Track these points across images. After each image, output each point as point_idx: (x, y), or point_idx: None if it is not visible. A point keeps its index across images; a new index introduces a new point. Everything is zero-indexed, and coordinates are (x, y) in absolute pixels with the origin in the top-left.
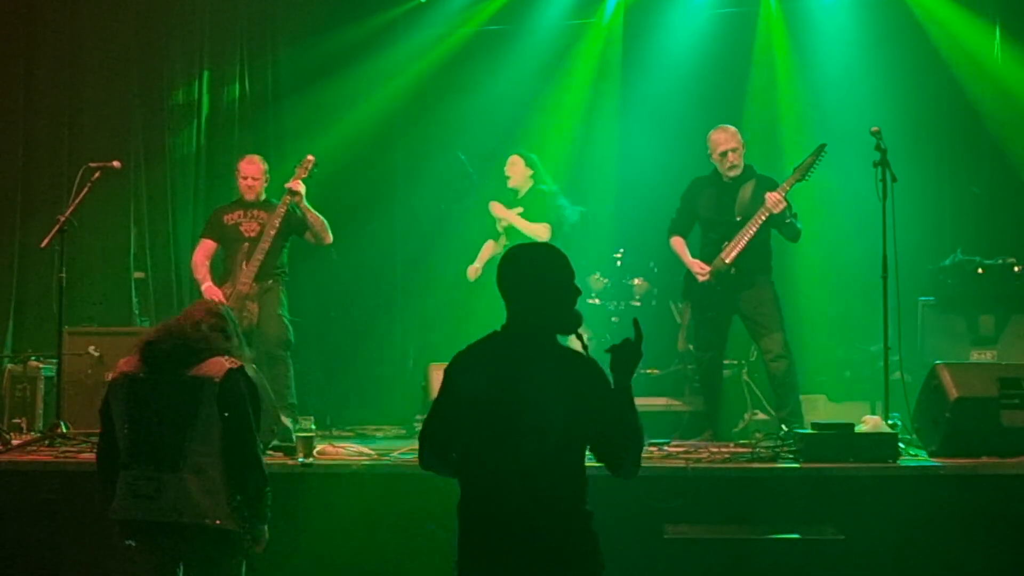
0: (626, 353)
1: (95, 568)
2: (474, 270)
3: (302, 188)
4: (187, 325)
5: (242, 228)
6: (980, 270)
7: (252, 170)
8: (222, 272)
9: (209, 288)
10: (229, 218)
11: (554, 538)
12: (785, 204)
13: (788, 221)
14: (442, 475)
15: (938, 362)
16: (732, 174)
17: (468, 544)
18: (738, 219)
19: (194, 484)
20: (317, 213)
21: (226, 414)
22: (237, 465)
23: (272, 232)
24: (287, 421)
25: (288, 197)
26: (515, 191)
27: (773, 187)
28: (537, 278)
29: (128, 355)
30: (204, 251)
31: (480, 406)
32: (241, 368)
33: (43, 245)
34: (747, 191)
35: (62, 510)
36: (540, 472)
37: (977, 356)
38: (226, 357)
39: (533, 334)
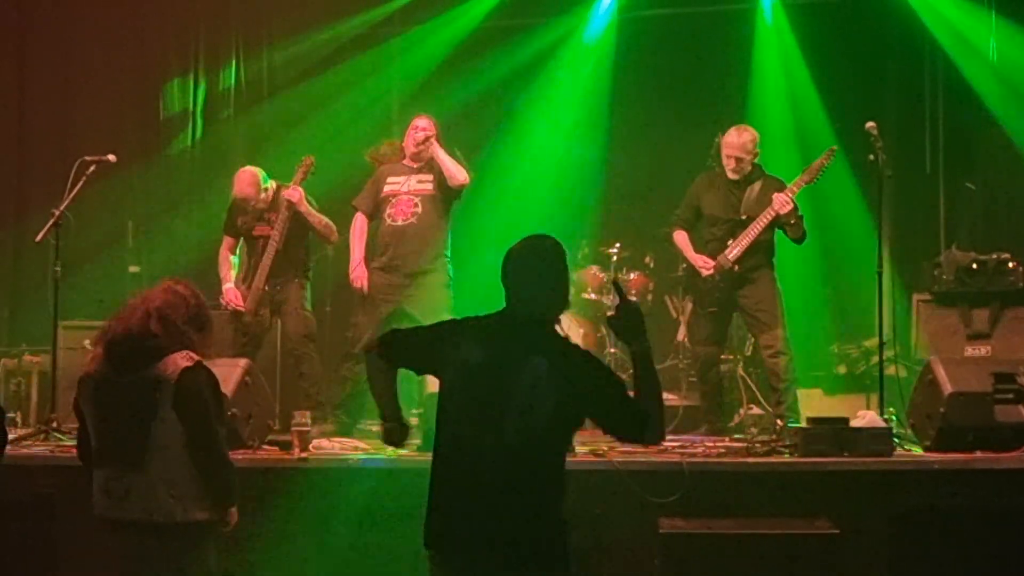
0: (624, 316)
1: (91, 562)
2: (358, 277)
3: (296, 195)
4: (141, 324)
5: (254, 232)
6: (975, 265)
7: (240, 189)
8: (245, 267)
9: (228, 290)
10: (242, 220)
11: (522, 519)
12: (793, 205)
13: (794, 222)
14: (369, 369)
15: (932, 357)
16: (735, 177)
17: (436, 514)
18: (744, 217)
19: (160, 483)
20: (320, 215)
21: (184, 414)
22: (202, 461)
23: (278, 238)
24: (306, 418)
25: (287, 203)
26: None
27: (780, 188)
28: (543, 267)
29: (94, 349)
30: (227, 247)
31: (469, 376)
32: (198, 365)
33: (38, 239)
34: (754, 190)
35: (57, 504)
36: (517, 453)
37: (971, 351)
38: (183, 353)
39: (533, 318)
